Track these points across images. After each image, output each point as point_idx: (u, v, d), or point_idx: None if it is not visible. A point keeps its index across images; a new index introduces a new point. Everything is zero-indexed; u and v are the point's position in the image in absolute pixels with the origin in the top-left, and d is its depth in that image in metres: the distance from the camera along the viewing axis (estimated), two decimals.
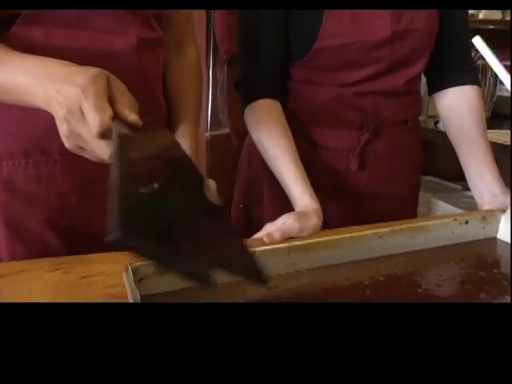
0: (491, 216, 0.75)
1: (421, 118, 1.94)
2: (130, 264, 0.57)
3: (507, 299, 0.59)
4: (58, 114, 0.53)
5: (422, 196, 1.69)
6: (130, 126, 0.53)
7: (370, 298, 0.58)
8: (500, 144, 1.48)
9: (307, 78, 0.92)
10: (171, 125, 0.85)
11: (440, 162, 2.03)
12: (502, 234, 0.75)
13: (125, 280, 0.55)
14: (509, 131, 1.60)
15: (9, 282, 0.64)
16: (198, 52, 0.90)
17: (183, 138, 0.82)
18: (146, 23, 0.74)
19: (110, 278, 0.64)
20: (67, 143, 0.54)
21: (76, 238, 0.76)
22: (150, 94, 0.79)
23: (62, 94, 0.52)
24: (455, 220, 0.73)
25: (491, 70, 1.88)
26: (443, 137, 1.69)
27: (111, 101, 0.53)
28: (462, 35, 0.97)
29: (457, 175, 1.24)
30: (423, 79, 1.02)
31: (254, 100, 0.90)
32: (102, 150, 0.52)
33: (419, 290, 0.61)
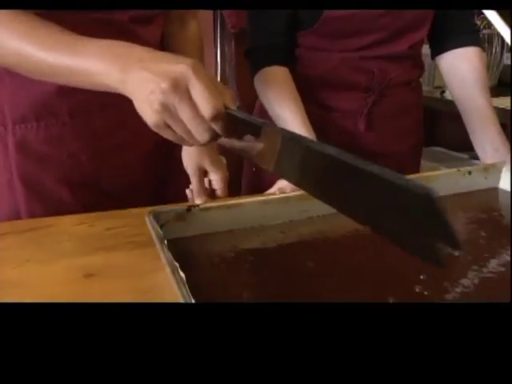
0: (493, 167, 0.79)
1: (427, 88, 1.97)
2: (150, 212, 0.61)
3: (504, 241, 0.62)
4: (149, 86, 0.49)
5: (429, 166, 1.72)
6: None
7: (377, 241, 0.62)
8: (507, 110, 1.50)
9: (315, 45, 0.96)
10: None
11: (446, 132, 2.06)
12: (504, 183, 0.78)
13: (148, 225, 0.59)
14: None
15: (38, 234, 0.68)
16: (199, 26, 0.93)
17: None
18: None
19: (132, 228, 0.69)
20: (154, 118, 0.51)
21: (89, 195, 0.80)
22: None
23: (163, 69, 0.50)
24: (459, 171, 0.76)
25: (498, 38, 1.90)
26: (450, 105, 1.72)
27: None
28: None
29: (463, 145, 1.27)
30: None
31: (263, 67, 0.94)
32: (200, 134, 0.50)
33: None
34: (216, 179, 0.83)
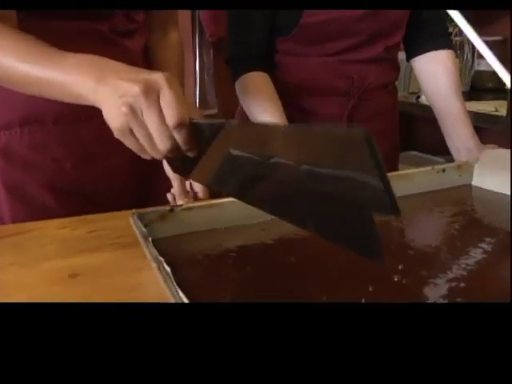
0: (466, 165, 0.81)
1: (403, 93, 2.01)
2: (134, 212, 0.62)
3: (476, 232, 0.64)
4: (120, 90, 0.50)
5: (406, 170, 1.75)
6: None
7: None
8: (479, 113, 1.54)
9: (293, 50, 0.98)
10: None
11: (422, 136, 2.10)
12: (477, 180, 0.80)
13: (133, 225, 0.60)
14: (487, 102, 1.68)
15: (21, 239, 0.68)
16: (180, 36, 0.95)
17: None
18: (126, 15, 0.79)
19: (115, 231, 0.70)
20: (119, 121, 0.51)
21: (73, 200, 0.81)
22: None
23: (137, 77, 0.50)
24: (433, 169, 0.78)
25: (468, 45, 1.95)
26: (425, 110, 1.76)
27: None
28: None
29: (439, 149, 1.30)
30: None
31: (243, 74, 0.96)
32: (162, 142, 0.50)
33: (401, 225, 0.66)
34: None
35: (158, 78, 0.50)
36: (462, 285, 0.50)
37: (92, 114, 0.65)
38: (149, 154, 0.53)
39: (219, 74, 1.72)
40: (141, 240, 0.56)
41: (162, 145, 0.50)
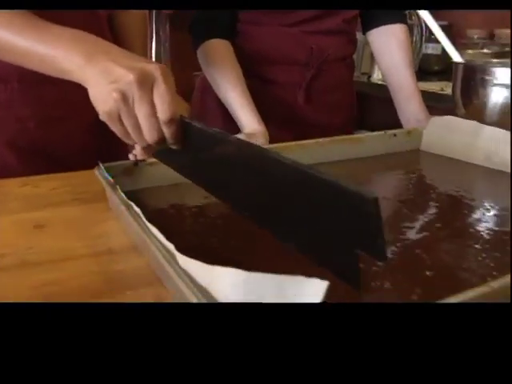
0: (415, 131, 0.86)
1: (355, 74, 2.06)
2: (99, 165, 0.63)
3: (426, 195, 0.69)
4: (113, 74, 0.49)
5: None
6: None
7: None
8: (427, 92, 1.61)
9: (255, 19, 1.01)
10: None
11: (373, 116, 2.16)
12: (424, 146, 0.86)
13: (98, 176, 0.61)
14: (434, 83, 1.75)
15: None
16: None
17: None
18: None
19: (77, 187, 0.70)
20: (109, 106, 0.50)
21: (36, 160, 0.81)
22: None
23: (132, 64, 0.50)
24: (385, 133, 0.83)
25: (418, 28, 2.02)
26: (376, 89, 1.82)
27: None
28: None
29: (390, 128, 1.36)
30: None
31: (205, 40, 0.97)
32: (150, 133, 0.50)
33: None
34: None
35: (153, 68, 0.49)
36: (408, 242, 0.54)
37: (56, 78, 0.66)
38: (133, 140, 0.53)
39: (175, 47, 1.72)
40: (107, 188, 0.57)
41: (149, 136, 0.51)
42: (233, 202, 0.52)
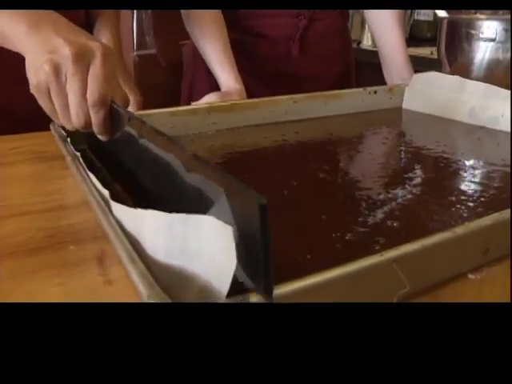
0: (397, 88, 0.82)
1: None
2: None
3: (402, 147, 0.66)
4: (50, 45, 0.45)
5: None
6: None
7: (285, 150, 0.64)
8: (417, 57, 1.57)
9: None
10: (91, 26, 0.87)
11: (365, 82, 2.12)
12: (406, 103, 0.82)
13: (52, 131, 0.58)
14: (424, 48, 1.71)
15: None
16: None
17: (104, 36, 0.85)
18: None
19: (37, 147, 0.67)
20: (39, 77, 0.46)
21: (1, 121, 0.77)
22: None
23: (74, 39, 0.46)
24: (364, 90, 0.79)
25: None
26: (367, 55, 1.77)
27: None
28: None
29: None
30: None
31: None
32: (77, 115, 0.46)
33: (329, 147, 0.67)
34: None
35: (94, 46, 0.45)
36: (382, 197, 0.51)
37: None
38: (59, 120, 0.48)
39: (157, 13, 1.67)
40: (59, 142, 0.54)
41: (75, 119, 0.46)
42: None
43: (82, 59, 0.44)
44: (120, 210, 0.32)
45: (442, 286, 0.34)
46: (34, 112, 0.79)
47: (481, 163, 0.59)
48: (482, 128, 0.71)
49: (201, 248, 0.27)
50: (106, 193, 0.34)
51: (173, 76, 1.30)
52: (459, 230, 0.32)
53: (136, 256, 0.28)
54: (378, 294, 0.30)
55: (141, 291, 0.25)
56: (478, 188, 0.50)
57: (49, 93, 0.46)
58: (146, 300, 0.25)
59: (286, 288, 0.26)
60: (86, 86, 0.45)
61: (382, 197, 0.48)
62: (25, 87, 0.78)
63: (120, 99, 0.47)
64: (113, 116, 0.46)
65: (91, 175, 0.39)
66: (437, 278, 0.34)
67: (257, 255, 0.23)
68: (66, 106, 0.46)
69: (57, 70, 0.44)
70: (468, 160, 0.60)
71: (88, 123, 0.46)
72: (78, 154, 0.46)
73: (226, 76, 0.85)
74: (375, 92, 0.79)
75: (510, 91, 0.69)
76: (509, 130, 0.68)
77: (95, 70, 0.45)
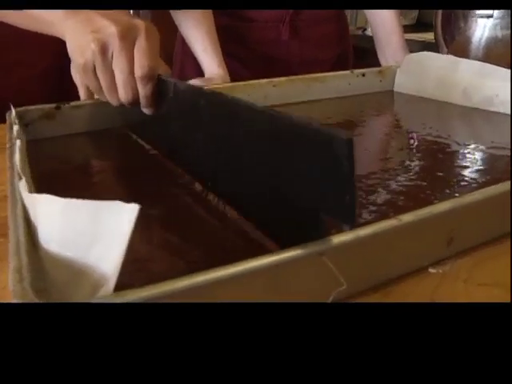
0: (387, 70, 0.77)
1: (350, 27, 1.97)
2: (12, 108, 0.56)
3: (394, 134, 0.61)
4: (96, 24, 0.46)
5: None
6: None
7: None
8: (423, 42, 1.52)
9: None
10: None
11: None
12: (398, 86, 0.77)
13: (7, 121, 0.54)
14: (431, 33, 1.65)
15: None
16: None
17: None
18: None
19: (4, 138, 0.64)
20: (86, 57, 0.46)
21: None
22: None
23: (117, 18, 0.46)
24: (352, 72, 0.74)
25: None
26: (372, 42, 1.71)
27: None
28: None
29: None
30: None
31: None
32: (125, 91, 0.47)
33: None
34: None
35: (138, 23, 0.46)
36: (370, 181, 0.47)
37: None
38: (105, 97, 0.49)
39: None
40: (8, 130, 0.51)
41: (123, 94, 0.47)
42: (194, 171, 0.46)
43: (127, 36, 0.45)
44: (26, 198, 0.29)
45: (395, 283, 0.30)
46: (16, 102, 0.78)
47: (469, 146, 0.54)
48: (476, 109, 0.66)
49: (97, 236, 0.23)
50: (22, 183, 0.30)
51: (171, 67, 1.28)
52: (407, 218, 0.28)
53: (24, 248, 0.25)
54: (310, 291, 0.26)
55: (10, 288, 0.22)
56: (459, 171, 0.46)
57: (94, 71, 0.47)
58: (14, 300, 0.21)
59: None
60: (133, 62, 0.46)
61: (368, 182, 0.44)
62: (9, 77, 0.76)
63: (164, 73, 0.48)
64: (158, 89, 0.47)
65: (16, 162, 0.36)
66: (389, 273, 0.30)
67: (341, 187, 0.24)
68: (112, 83, 0.47)
69: (104, 48, 0.45)
70: (458, 143, 0.55)
71: (136, 97, 0.47)
72: (18, 141, 0.42)
73: (210, 61, 0.82)
74: (363, 75, 0.75)
75: (509, 70, 0.64)
76: (503, 111, 0.63)
77: (141, 45, 0.45)
